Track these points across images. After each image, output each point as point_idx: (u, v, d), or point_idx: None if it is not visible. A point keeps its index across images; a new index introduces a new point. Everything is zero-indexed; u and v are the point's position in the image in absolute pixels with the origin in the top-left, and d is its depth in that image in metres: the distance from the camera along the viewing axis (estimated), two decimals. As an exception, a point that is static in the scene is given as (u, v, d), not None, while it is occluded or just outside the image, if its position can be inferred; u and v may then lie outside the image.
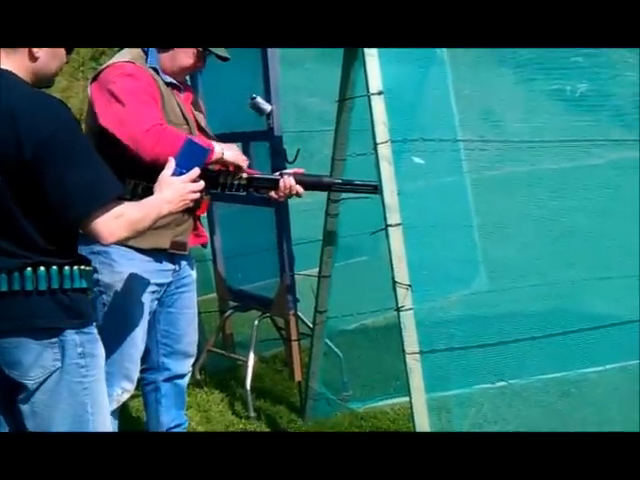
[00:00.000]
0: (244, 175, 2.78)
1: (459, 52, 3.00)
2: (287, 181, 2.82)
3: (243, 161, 2.77)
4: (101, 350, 2.19)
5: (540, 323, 2.82)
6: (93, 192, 1.99)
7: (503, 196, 3.14)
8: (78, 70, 9.85)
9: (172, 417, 3.10)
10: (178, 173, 2.20)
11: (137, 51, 2.81)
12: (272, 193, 2.87)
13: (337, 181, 3.00)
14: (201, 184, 2.25)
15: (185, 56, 2.83)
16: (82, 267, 2.12)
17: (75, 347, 2.09)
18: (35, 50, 2.04)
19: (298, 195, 2.87)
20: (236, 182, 2.76)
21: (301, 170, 2.92)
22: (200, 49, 2.83)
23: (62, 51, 2.12)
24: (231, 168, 2.75)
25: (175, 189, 2.17)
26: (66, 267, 2.06)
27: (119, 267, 2.79)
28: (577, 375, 2.91)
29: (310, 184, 2.90)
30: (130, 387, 2.90)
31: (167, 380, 3.07)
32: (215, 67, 3.03)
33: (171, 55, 2.82)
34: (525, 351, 2.80)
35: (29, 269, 2.02)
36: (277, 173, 2.90)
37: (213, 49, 2.84)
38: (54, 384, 2.08)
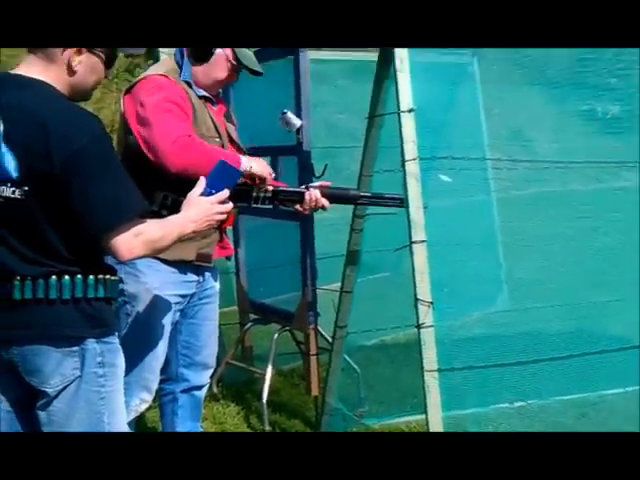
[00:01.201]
0: (270, 188, 2.79)
1: (490, 69, 3.00)
2: (313, 194, 2.82)
3: (268, 174, 2.78)
4: (121, 361, 2.19)
5: (560, 344, 2.79)
6: (115, 208, 2.01)
7: (529, 216, 3.12)
8: (112, 82, 9.95)
9: (187, 428, 3.10)
10: (207, 193, 2.20)
11: (171, 65, 2.83)
12: (297, 206, 2.87)
13: (363, 194, 3.00)
14: (229, 206, 2.24)
15: (219, 69, 2.85)
16: (107, 277, 2.12)
17: (95, 356, 2.09)
18: (74, 64, 2.06)
19: (323, 208, 2.87)
20: (262, 194, 2.77)
21: (327, 183, 2.92)
22: (234, 63, 2.84)
23: (100, 66, 2.14)
24: (257, 181, 2.76)
25: (202, 209, 2.18)
26: (90, 276, 2.07)
27: (144, 277, 2.79)
28: (596, 397, 2.87)
29: (336, 197, 2.90)
30: (149, 398, 2.90)
31: (185, 391, 3.07)
32: (247, 81, 3.05)
33: (205, 68, 2.83)
34: (544, 371, 2.77)
35: (54, 277, 2.03)
36: (303, 186, 2.91)
37: (247, 64, 2.85)
38: (72, 393, 2.08)
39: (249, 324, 4.10)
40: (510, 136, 3.17)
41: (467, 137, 3.18)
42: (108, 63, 2.16)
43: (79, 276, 2.05)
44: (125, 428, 2.25)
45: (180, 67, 2.83)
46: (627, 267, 2.96)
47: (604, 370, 2.82)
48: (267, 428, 3.67)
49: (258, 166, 2.75)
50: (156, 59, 4.60)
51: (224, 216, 2.25)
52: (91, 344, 2.08)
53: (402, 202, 2.80)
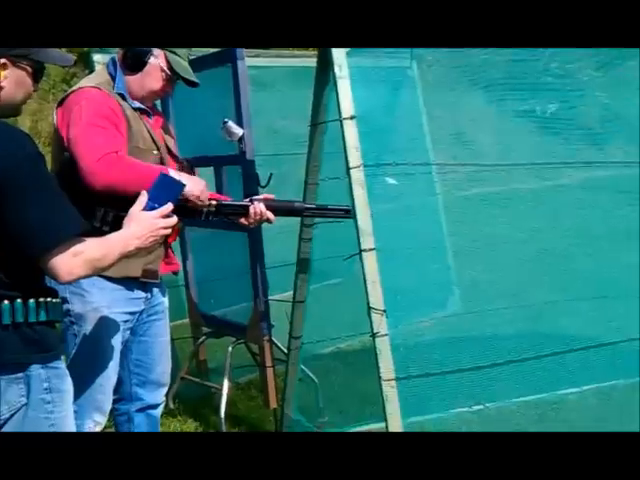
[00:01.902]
0: (213, 202, 2.74)
1: (429, 73, 3.01)
2: (257, 207, 2.79)
3: (199, 191, 2.71)
4: (69, 385, 2.14)
5: (515, 346, 2.81)
6: (51, 229, 1.94)
7: (475, 217, 3.13)
8: (49, 92, 9.76)
9: None
10: (150, 208, 2.14)
11: (105, 76, 2.78)
12: (242, 220, 2.84)
13: (308, 206, 2.98)
14: (174, 220, 2.19)
15: (153, 80, 2.80)
16: (48, 299, 2.06)
17: (41, 382, 2.03)
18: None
19: (269, 221, 2.84)
20: (205, 209, 2.73)
21: (271, 196, 2.89)
22: (169, 73, 2.80)
23: (28, 80, 2.07)
24: (193, 199, 2.70)
25: (145, 225, 2.12)
26: (31, 300, 2.01)
27: (90, 297, 2.74)
28: (554, 397, 2.90)
29: (281, 209, 2.88)
30: (102, 419, 2.85)
31: (140, 410, 3.02)
32: (187, 91, 3.00)
33: (139, 79, 2.79)
34: (501, 374, 2.78)
35: None
36: (247, 199, 2.87)
37: (182, 74, 2.82)
38: (20, 421, 2.02)
39: (202, 338, 4.05)
40: (452, 138, 3.18)
41: (410, 141, 3.17)
42: (36, 76, 2.09)
43: (19, 300, 1.99)
44: None
45: (113, 78, 2.78)
46: (577, 266, 2.99)
47: (559, 370, 2.84)
48: (226, 443, 3.63)
49: (188, 184, 2.68)
50: (92, 69, 4.52)
51: (169, 231, 2.19)
52: (36, 370, 2.02)
53: (348, 213, 2.78)
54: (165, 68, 2.79)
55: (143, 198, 2.15)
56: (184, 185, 2.27)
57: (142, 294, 2.87)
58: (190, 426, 3.91)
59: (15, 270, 1.98)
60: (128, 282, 2.79)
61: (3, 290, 1.97)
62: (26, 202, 1.92)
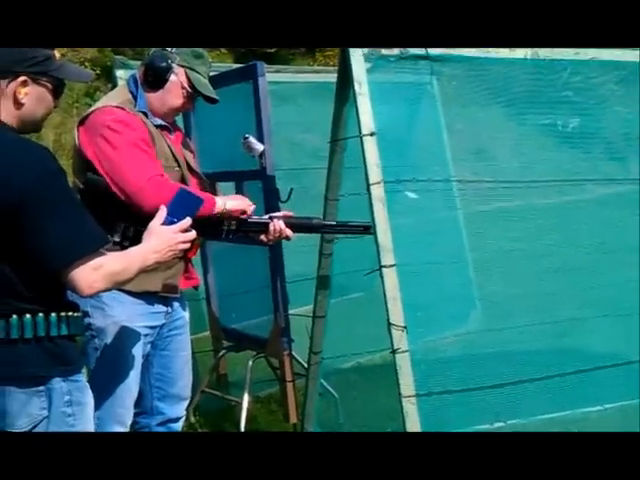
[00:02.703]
0: (233, 221, 2.76)
1: (450, 88, 3.00)
2: (277, 225, 2.81)
3: (247, 206, 2.78)
4: (90, 398, 2.16)
5: (538, 363, 2.79)
6: (72, 243, 1.97)
7: (497, 231, 3.12)
8: (72, 106, 9.88)
9: None
10: (169, 222, 2.17)
11: (126, 94, 2.81)
12: (262, 237, 2.85)
13: (327, 223, 2.99)
14: (192, 234, 2.21)
15: (174, 97, 2.83)
16: (70, 313, 2.08)
17: (62, 395, 2.05)
18: (20, 96, 2.02)
19: (287, 238, 2.85)
20: (225, 227, 2.75)
21: (290, 213, 2.90)
22: (189, 90, 2.82)
23: (48, 96, 2.09)
24: (237, 214, 2.75)
25: (164, 239, 2.14)
26: (53, 314, 2.03)
27: (111, 310, 2.76)
28: (576, 415, 2.87)
29: (300, 226, 2.89)
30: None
31: (161, 424, 3.03)
32: (208, 106, 3.02)
33: (160, 96, 2.81)
34: (524, 391, 2.76)
35: (14, 317, 1.99)
36: (266, 216, 2.88)
37: (202, 90, 2.83)
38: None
39: (223, 351, 4.06)
40: (473, 154, 3.17)
41: (430, 156, 3.17)
42: (56, 93, 2.12)
43: (41, 314, 2.01)
44: None
45: (134, 97, 2.80)
46: (600, 282, 2.96)
47: (583, 388, 2.82)
48: (247, 457, 3.62)
49: (234, 202, 2.73)
50: (114, 84, 4.56)
51: (187, 245, 2.21)
52: (57, 383, 2.05)
53: (368, 229, 2.78)
54: (185, 85, 2.82)
55: (162, 213, 2.18)
56: (203, 200, 2.29)
57: (162, 308, 2.88)
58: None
59: (37, 284, 2.00)
60: (148, 296, 2.81)
61: (25, 304, 2.00)
62: (47, 217, 1.94)
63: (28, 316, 2.00)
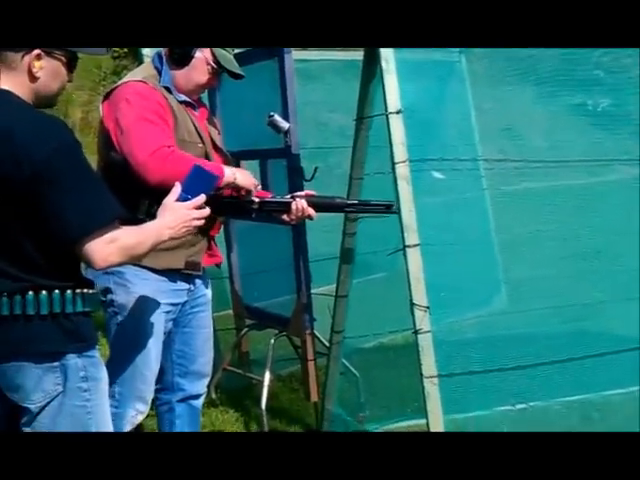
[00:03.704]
0: (256, 199, 2.74)
1: (479, 67, 2.96)
2: (299, 204, 2.78)
3: (253, 185, 2.75)
4: (104, 374, 2.17)
5: (561, 346, 2.76)
6: (87, 215, 1.97)
7: (523, 212, 3.08)
8: (99, 84, 9.91)
9: None
10: (183, 199, 2.17)
11: (150, 70, 2.79)
12: (284, 216, 2.83)
13: (350, 202, 2.96)
14: (206, 211, 2.21)
15: (199, 73, 2.81)
16: (85, 290, 2.09)
17: (77, 371, 2.07)
18: (35, 70, 2.02)
19: (310, 218, 2.83)
20: (248, 206, 2.73)
21: (313, 192, 2.88)
22: (214, 66, 2.81)
23: (63, 70, 2.09)
24: (242, 192, 2.73)
25: (178, 215, 2.15)
26: (68, 291, 2.04)
27: (133, 287, 2.76)
28: (599, 398, 2.85)
29: (323, 206, 2.86)
30: (144, 409, 2.87)
31: (182, 401, 3.04)
32: (234, 84, 3.01)
33: (185, 73, 2.80)
34: (545, 373, 2.73)
35: (31, 293, 2.00)
36: (289, 196, 2.87)
37: (227, 67, 2.81)
38: (56, 408, 2.05)
39: (245, 329, 4.07)
40: (501, 133, 3.13)
41: (458, 136, 3.13)
42: (70, 66, 2.11)
43: (57, 291, 2.02)
44: None
45: (159, 72, 2.79)
46: (626, 265, 2.92)
47: (606, 371, 2.79)
48: (267, 435, 3.64)
49: (243, 178, 2.72)
50: (141, 62, 4.56)
51: (202, 221, 2.21)
52: (72, 359, 2.06)
53: (390, 208, 2.75)
54: (211, 61, 2.80)
55: (177, 189, 2.17)
56: (218, 177, 2.28)
57: (185, 286, 2.88)
58: (231, 417, 3.93)
59: (53, 261, 2.01)
60: (171, 274, 2.81)
61: (41, 280, 2.01)
62: (63, 190, 1.94)
63: (44, 293, 2.00)
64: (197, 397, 3.08)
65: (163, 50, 2.84)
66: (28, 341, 2.02)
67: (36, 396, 2.04)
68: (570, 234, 2.93)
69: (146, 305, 2.77)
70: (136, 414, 2.84)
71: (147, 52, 4.35)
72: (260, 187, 2.82)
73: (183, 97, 2.81)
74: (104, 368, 2.17)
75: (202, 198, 2.18)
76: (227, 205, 2.72)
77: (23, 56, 2.00)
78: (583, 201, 2.94)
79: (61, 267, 2.03)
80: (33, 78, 2.03)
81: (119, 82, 2.80)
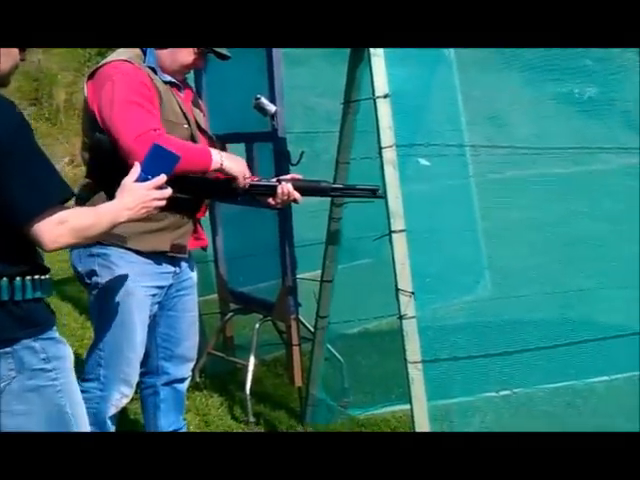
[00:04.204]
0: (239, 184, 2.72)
1: (466, 54, 2.96)
2: (285, 188, 2.77)
3: (242, 176, 2.71)
4: (66, 351, 2.14)
5: (546, 332, 2.77)
6: (36, 196, 1.93)
7: (508, 200, 3.08)
8: (84, 65, 9.84)
9: (170, 422, 3.06)
10: (142, 179, 2.12)
11: (135, 50, 2.76)
12: (270, 200, 2.82)
13: (335, 186, 2.95)
14: (167, 191, 2.16)
15: (185, 54, 2.78)
16: (36, 277, 2.05)
17: (36, 354, 2.04)
18: None
19: (295, 201, 2.82)
20: (233, 189, 2.71)
21: (299, 176, 2.87)
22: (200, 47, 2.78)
23: (15, 50, 2.04)
24: (241, 179, 2.71)
25: (137, 195, 2.10)
26: (17, 278, 2.01)
27: (118, 270, 2.74)
28: (583, 385, 2.87)
29: (308, 189, 2.85)
30: (129, 392, 2.85)
31: (166, 384, 3.03)
32: (220, 67, 2.99)
33: (170, 53, 2.76)
34: (530, 360, 2.75)
35: None
36: (274, 179, 2.85)
37: (213, 47, 2.79)
38: (17, 390, 2.04)
39: (230, 314, 4.06)
40: (487, 120, 3.12)
41: (445, 121, 3.12)
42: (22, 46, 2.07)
43: (4, 279, 1.99)
44: (85, 415, 2.20)
45: (144, 52, 2.76)
46: (611, 253, 2.93)
47: (589, 358, 2.81)
48: (251, 419, 3.64)
49: (231, 164, 2.68)
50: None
51: (162, 202, 2.16)
52: (27, 343, 2.03)
53: (376, 192, 2.75)
54: None
55: (136, 169, 2.13)
56: (179, 157, 2.24)
57: (171, 268, 2.87)
58: (216, 401, 3.92)
59: (2, 248, 1.98)
60: (157, 256, 2.79)
61: None
62: (11, 170, 1.91)
63: None
64: (182, 381, 3.07)
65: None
66: None
67: None
68: (556, 221, 2.93)
69: (131, 288, 2.75)
70: (121, 397, 2.82)
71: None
72: (249, 178, 2.78)
73: (168, 78, 2.78)
74: (66, 346, 2.15)
75: (162, 178, 2.13)
76: (212, 187, 2.70)
77: None
78: (569, 188, 2.94)
79: (11, 253, 2.00)
80: None
81: (103, 61, 2.77)
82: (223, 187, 2.73)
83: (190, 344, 3.05)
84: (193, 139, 2.79)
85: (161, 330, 2.96)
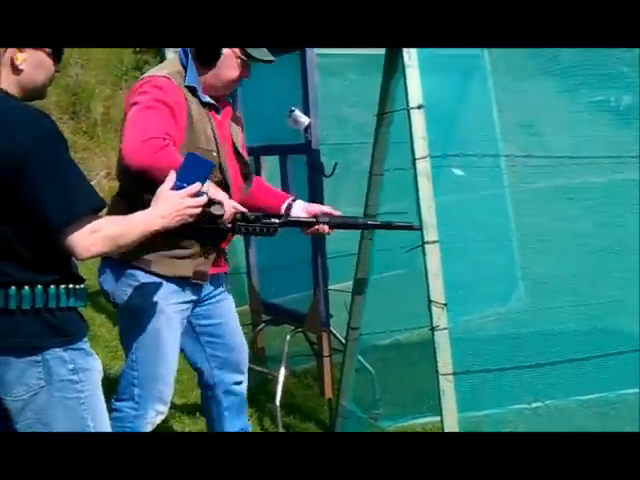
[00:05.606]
0: (275, 220, 2.66)
1: (500, 62, 2.93)
2: (321, 228, 2.80)
3: (226, 199, 2.53)
4: (95, 363, 2.15)
5: (578, 344, 2.73)
6: (67, 205, 1.95)
7: (543, 210, 3.05)
8: (121, 79, 9.96)
9: (236, 427, 3.07)
10: (177, 187, 2.13)
11: (177, 67, 2.73)
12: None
13: (372, 223, 2.98)
14: (202, 199, 2.17)
15: (230, 69, 2.73)
16: (71, 285, 2.07)
17: (64, 364, 2.05)
18: (18, 62, 2.01)
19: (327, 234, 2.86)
20: (271, 227, 2.66)
21: (337, 212, 2.88)
22: (244, 59, 2.75)
23: (49, 61, 2.07)
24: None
25: (171, 204, 2.11)
26: (52, 286, 2.03)
27: (146, 289, 2.72)
28: (615, 397, 2.81)
29: (344, 225, 2.88)
30: (164, 409, 2.84)
31: (227, 392, 3.02)
32: (254, 79, 2.98)
33: (214, 73, 2.74)
34: (563, 372, 2.70)
35: (13, 287, 1.99)
36: (311, 216, 2.85)
37: (257, 55, 2.75)
38: (44, 403, 2.05)
39: (261, 325, 4.06)
40: (523, 129, 3.09)
41: (479, 131, 3.10)
42: (56, 57, 2.09)
43: (39, 286, 2.01)
44: (109, 430, 2.20)
45: (185, 69, 2.74)
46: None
47: (622, 370, 2.75)
48: (281, 430, 3.63)
49: (220, 193, 2.52)
50: (162, 56, 4.55)
51: (197, 210, 2.17)
52: (57, 353, 2.05)
53: (413, 228, 2.76)
54: (239, 54, 2.75)
55: (171, 177, 2.14)
56: (213, 164, 2.23)
57: (193, 297, 2.85)
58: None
59: (37, 254, 2.00)
60: (179, 281, 2.77)
61: (24, 275, 2.00)
62: (43, 181, 1.93)
63: (26, 288, 2.00)
64: (239, 383, 3.05)
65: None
66: (9, 335, 2.01)
67: (17, 390, 2.03)
68: (591, 232, 2.89)
69: (160, 306, 2.73)
70: (156, 414, 2.81)
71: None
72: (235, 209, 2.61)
73: (207, 99, 2.75)
74: (95, 358, 2.15)
75: (197, 186, 2.14)
76: (248, 224, 2.65)
77: (5, 50, 1.99)
78: (604, 198, 2.90)
79: (45, 261, 2.02)
80: (17, 71, 2.02)
81: (144, 75, 2.76)
82: (260, 225, 2.66)
83: (236, 346, 3.02)
84: (220, 167, 2.77)
85: (205, 339, 2.96)
